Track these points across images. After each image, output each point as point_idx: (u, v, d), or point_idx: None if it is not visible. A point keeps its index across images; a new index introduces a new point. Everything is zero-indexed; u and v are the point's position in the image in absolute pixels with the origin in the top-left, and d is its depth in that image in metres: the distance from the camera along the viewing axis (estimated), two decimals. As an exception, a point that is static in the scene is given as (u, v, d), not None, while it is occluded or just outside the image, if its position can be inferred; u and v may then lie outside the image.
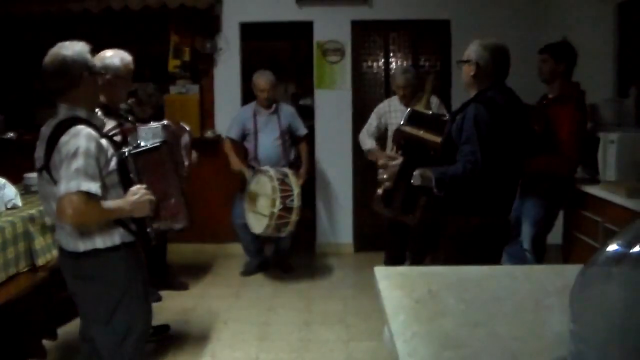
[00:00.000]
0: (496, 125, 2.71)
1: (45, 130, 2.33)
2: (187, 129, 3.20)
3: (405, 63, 5.78)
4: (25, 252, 3.07)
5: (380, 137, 4.93)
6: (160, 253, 4.75)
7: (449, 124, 2.87)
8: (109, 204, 2.31)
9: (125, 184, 2.39)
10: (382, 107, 4.95)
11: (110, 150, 2.36)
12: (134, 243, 2.47)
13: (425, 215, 2.95)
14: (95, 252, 2.36)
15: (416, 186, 2.72)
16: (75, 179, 2.15)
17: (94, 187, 2.19)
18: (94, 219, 2.30)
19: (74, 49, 2.33)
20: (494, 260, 2.93)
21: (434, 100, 4.75)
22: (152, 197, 2.40)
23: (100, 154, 2.28)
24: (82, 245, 2.35)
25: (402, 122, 3.05)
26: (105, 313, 2.45)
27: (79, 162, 2.17)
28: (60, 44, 2.35)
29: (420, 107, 3.55)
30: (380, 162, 2.81)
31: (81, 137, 2.21)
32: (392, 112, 4.85)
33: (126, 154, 2.42)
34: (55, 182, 2.25)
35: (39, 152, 2.34)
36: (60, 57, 2.29)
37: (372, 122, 4.94)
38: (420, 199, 2.84)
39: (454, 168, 2.68)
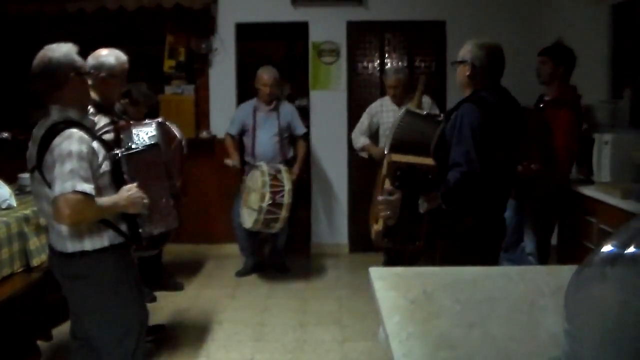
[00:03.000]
0: (489, 124, 2.69)
1: (38, 131, 2.34)
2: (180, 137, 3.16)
3: (400, 64, 5.79)
4: (20, 252, 3.06)
5: (372, 136, 4.95)
6: (155, 254, 4.73)
7: (443, 123, 2.86)
8: (104, 200, 2.33)
9: (118, 185, 2.41)
10: (374, 106, 4.97)
11: (102, 153, 2.37)
12: (123, 244, 2.48)
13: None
14: (83, 253, 2.37)
15: (419, 213, 2.69)
16: (70, 180, 2.17)
17: (88, 187, 2.21)
18: (91, 218, 2.32)
19: (60, 50, 2.32)
20: (491, 258, 2.93)
21: (426, 100, 4.77)
22: (144, 195, 2.43)
23: (93, 157, 2.30)
24: (71, 246, 2.36)
25: (396, 124, 3.00)
26: (97, 313, 2.47)
27: (72, 164, 2.19)
28: (47, 47, 2.35)
29: (412, 107, 3.49)
30: (380, 198, 2.75)
31: (74, 139, 2.23)
32: (384, 112, 4.87)
33: (119, 155, 2.42)
34: (47, 183, 2.27)
35: (31, 153, 2.35)
36: (46, 59, 2.30)
37: (363, 122, 4.97)
38: (423, 225, 2.80)
39: (453, 176, 2.65)
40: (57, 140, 2.23)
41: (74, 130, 2.26)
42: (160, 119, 2.84)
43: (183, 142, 3.13)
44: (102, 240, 2.39)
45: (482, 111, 2.71)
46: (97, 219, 2.35)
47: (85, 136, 2.29)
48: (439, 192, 2.65)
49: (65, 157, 2.19)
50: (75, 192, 2.16)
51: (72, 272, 2.42)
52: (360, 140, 4.93)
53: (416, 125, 2.89)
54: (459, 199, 2.67)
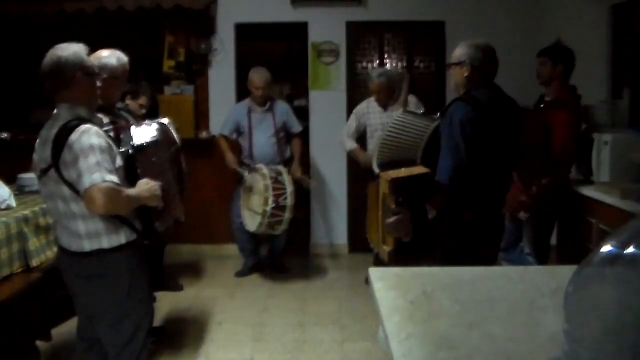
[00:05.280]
0: (480, 121, 2.75)
1: (48, 131, 2.33)
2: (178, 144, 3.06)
3: (399, 64, 5.80)
4: (19, 252, 3.06)
5: (360, 138, 4.97)
6: (157, 254, 4.73)
7: (438, 121, 2.90)
8: (131, 191, 2.35)
9: (130, 181, 2.42)
10: (361, 108, 4.98)
11: (115, 148, 2.39)
12: (136, 241, 2.49)
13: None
14: (100, 251, 2.37)
15: (428, 221, 2.75)
16: (97, 172, 2.19)
17: (115, 178, 2.25)
18: (123, 207, 2.34)
19: (69, 49, 2.35)
20: (490, 253, 3.00)
21: (412, 100, 4.78)
22: (160, 189, 2.46)
23: (110, 151, 2.32)
24: (88, 245, 2.36)
25: (391, 122, 3.03)
26: (112, 312, 2.47)
27: (96, 156, 2.21)
28: (57, 45, 2.37)
29: (398, 107, 3.51)
30: (390, 220, 2.79)
31: (92, 134, 2.25)
32: (370, 114, 4.88)
33: (130, 151, 2.45)
34: (65, 181, 2.26)
35: (43, 153, 2.33)
36: (55, 57, 2.32)
37: (351, 124, 4.98)
38: (433, 231, 2.85)
39: (445, 173, 2.70)
40: (73, 136, 2.23)
41: (89, 125, 2.28)
42: (161, 120, 2.84)
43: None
44: (119, 237, 2.40)
45: (472, 108, 2.76)
46: (126, 210, 2.38)
47: (101, 131, 2.33)
48: (440, 193, 2.69)
49: (87, 150, 2.21)
50: (106, 182, 2.19)
51: (88, 272, 2.42)
52: (348, 144, 4.95)
53: (411, 124, 2.92)
54: (458, 192, 2.72)
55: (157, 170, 2.54)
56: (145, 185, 2.41)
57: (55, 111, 2.38)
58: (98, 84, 2.51)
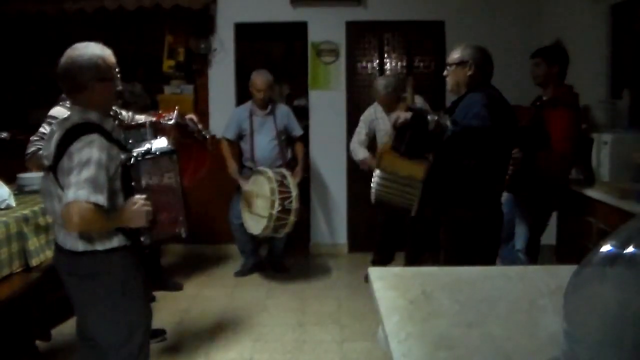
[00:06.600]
0: (493, 115, 2.78)
1: (56, 130, 2.32)
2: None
3: (399, 64, 5.80)
4: (19, 252, 3.06)
5: (371, 146, 4.91)
6: (154, 254, 4.74)
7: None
8: (112, 215, 2.30)
9: (127, 192, 2.37)
10: (368, 114, 4.96)
11: (120, 158, 2.33)
12: (131, 245, 2.47)
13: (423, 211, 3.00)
14: (94, 252, 2.36)
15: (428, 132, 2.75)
16: (84, 188, 2.15)
17: (101, 198, 2.19)
18: (98, 229, 2.31)
19: (85, 54, 2.28)
20: (492, 248, 3.09)
21: (419, 100, 4.76)
22: (149, 209, 2.36)
23: (110, 163, 2.27)
24: (82, 246, 2.35)
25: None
26: (106, 311, 2.44)
27: (90, 172, 2.16)
28: (75, 46, 2.31)
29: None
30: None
31: (94, 146, 2.20)
32: (379, 119, 4.86)
33: (132, 160, 2.35)
34: (60, 185, 2.25)
35: (48, 151, 2.32)
36: (70, 60, 2.27)
37: (361, 132, 4.94)
38: (430, 146, 2.89)
39: (465, 123, 2.72)
40: (76, 145, 2.20)
41: (95, 136, 2.22)
42: (153, 119, 2.78)
43: (197, 125, 3.02)
44: (112, 242, 2.38)
45: (488, 100, 2.83)
46: (101, 231, 2.34)
47: (105, 142, 2.26)
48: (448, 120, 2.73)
49: (84, 164, 2.16)
50: (89, 202, 2.15)
51: (81, 271, 2.40)
52: (360, 152, 4.87)
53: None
54: (462, 143, 2.73)
55: (162, 181, 2.44)
56: (132, 206, 2.33)
57: (60, 110, 2.35)
58: (118, 84, 2.45)
